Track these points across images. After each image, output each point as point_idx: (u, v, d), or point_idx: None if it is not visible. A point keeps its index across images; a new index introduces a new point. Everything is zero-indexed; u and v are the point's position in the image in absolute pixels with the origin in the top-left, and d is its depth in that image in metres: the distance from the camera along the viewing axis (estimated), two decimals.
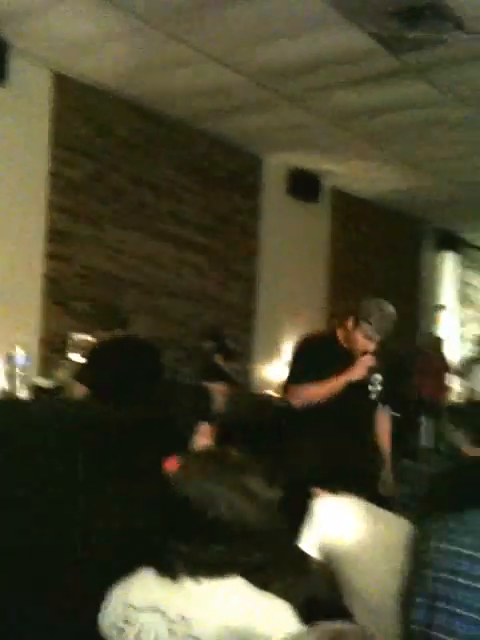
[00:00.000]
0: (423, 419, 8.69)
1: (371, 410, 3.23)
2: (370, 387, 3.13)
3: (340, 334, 3.16)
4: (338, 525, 2.25)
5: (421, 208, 9.35)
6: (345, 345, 3.12)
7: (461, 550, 1.29)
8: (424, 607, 1.34)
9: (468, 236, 11.36)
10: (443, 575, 1.31)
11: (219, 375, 5.53)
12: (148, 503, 1.64)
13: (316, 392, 2.97)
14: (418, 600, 1.35)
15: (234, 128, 6.30)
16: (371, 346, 3.04)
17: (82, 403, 3.82)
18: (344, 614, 1.95)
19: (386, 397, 3.29)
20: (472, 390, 7.36)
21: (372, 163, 7.24)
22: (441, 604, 1.30)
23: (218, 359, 5.79)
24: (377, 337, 3.04)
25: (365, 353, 3.06)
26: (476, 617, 1.26)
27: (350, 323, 3.09)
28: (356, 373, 3.01)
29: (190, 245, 6.48)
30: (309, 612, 1.51)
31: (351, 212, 8.67)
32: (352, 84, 5.12)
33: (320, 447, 2.87)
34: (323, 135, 6.36)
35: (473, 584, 1.27)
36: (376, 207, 9.07)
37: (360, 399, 3.11)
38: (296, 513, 2.34)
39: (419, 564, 1.35)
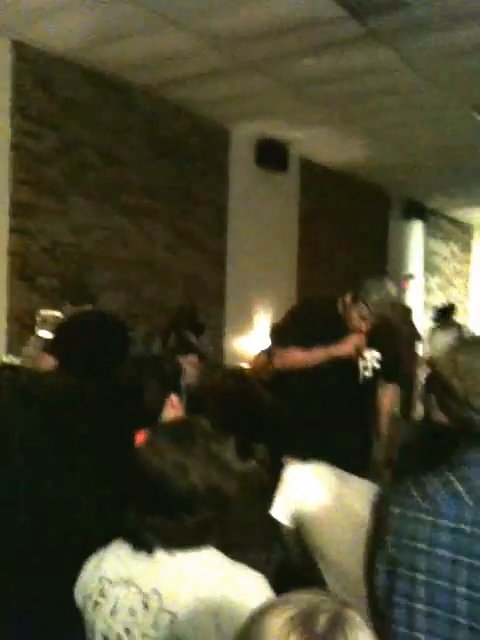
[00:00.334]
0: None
1: (362, 390, 3.18)
2: (361, 364, 3.11)
3: (340, 305, 3.13)
4: (308, 493, 2.27)
5: (388, 177, 9.37)
6: (343, 316, 3.10)
7: (420, 515, 1.30)
8: (386, 574, 1.35)
9: (434, 204, 11.45)
10: (404, 541, 1.32)
11: (190, 349, 5.51)
12: (118, 476, 1.63)
13: (299, 359, 2.95)
14: (380, 566, 1.36)
15: (199, 97, 6.21)
16: (364, 326, 3.01)
17: (47, 376, 3.79)
18: (317, 581, 1.98)
19: (388, 373, 3.24)
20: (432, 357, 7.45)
21: (338, 131, 7.21)
22: (402, 570, 1.31)
23: (190, 335, 5.78)
24: (372, 318, 3.02)
25: (358, 331, 3.04)
26: (436, 582, 1.27)
27: (348, 299, 3.06)
28: (343, 349, 2.98)
29: (158, 218, 6.40)
30: (282, 580, 1.52)
31: (319, 182, 8.65)
32: (316, 50, 5.05)
33: (303, 428, 2.85)
34: (288, 103, 6.30)
35: (433, 550, 1.28)
36: (344, 176, 9.06)
37: (348, 379, 3.07)
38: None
39: (381, 530, 1.36)
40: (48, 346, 4.21)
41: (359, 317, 3.01)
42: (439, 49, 4.99)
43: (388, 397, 3.45)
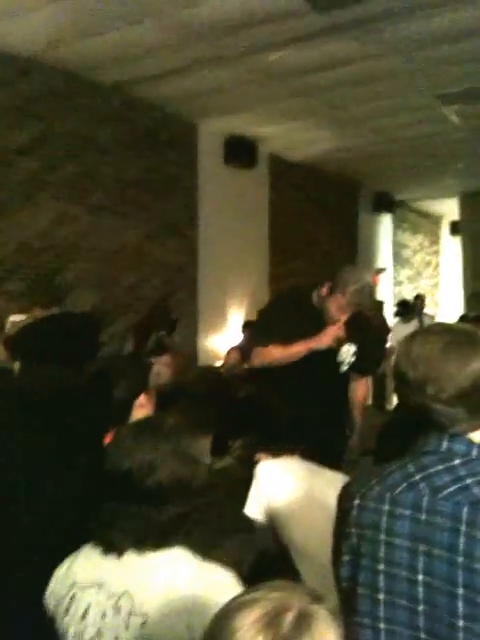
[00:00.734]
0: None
1: (340, 382, 3.17)
2: (339, 358, 3.07)
3: (315, 296, 3.07)
4: (279, 488, 2.27)
5: (356, 170, 9.43)
6: (317, 304, 3.05)
7: (380, 506, 1.31)
8: (349, 564, 1.36)
9: (402, 196, 11.55)
10: (365, 531, 1.32)
11: (165, 350, 5.52)
12: (86, 477, 1.61)
13: (279, 356, 2.90)
14: (344, 558, 1.37)
15: (167, 93, 6.17)
16: (343, 317, 2.96)
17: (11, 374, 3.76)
18: (288, 574, 1.97)
19: (362, 367, 3.21)
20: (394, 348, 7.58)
21: (304, 124, 7.23)
22: (364, 560, 1.31)
23: (165, 337, 5.75)
24: (350, 308, 2.97)
25: (335, 322, 2.99)
26: (395, 571, 1.28)
27: (325, 290, 3.00)
28: (322, 342, 2.93)
29: (130, 214, 6.36)
30: (256, 575, 1.51)
31: (289, 177, 8.67)
32: (280, 44, 5.04)
33: (286, 418, 2.82)
34: (256, 98, 6.29)
35: (392, 539, 1.29)
36: (313, 171, 9.09)
37: (328, 371, 3.04)
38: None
39: (344, 521, 1.37)
40: (8, 341, 4.17)
41: (337, 308, 2.96)
42: (402, 40, 5.02)
43: (362, 389, 3.43)
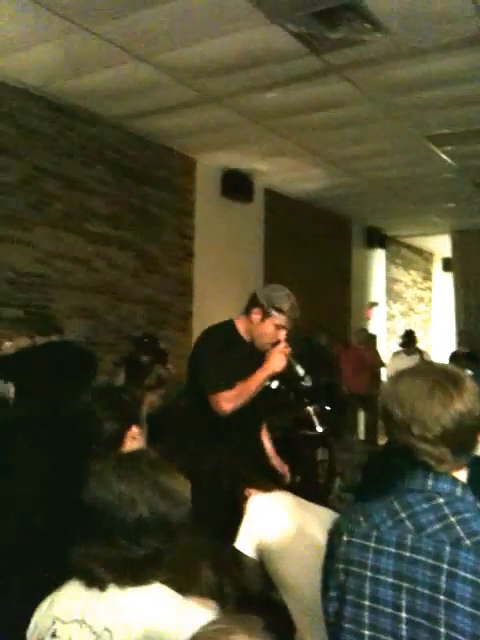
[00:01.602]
0: (361, 414, 8.90)
1: (261, 412, 3.10)
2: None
3: (241, 326, 2.96)
4: (271, 523, 2.27)
5: (349, 206, 9.57)
6: (246, 337, 2.95)
7: (366, 542, 1.33)
8: (336, 600, 1.37)
9: (394, 233, 11.69)
10: (352, 568, 1.34)
11: (163, 383, 5.56)
12: (66, 508, 1.62)
13: (245, 393, 2.80)
14: (331, 593, 1.38)
15: (164, 129, 6.29)
16: (283, 335, 2.89)
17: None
18: (275, 609, 1.98)
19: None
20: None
21: (299, 162, 7.36)
22: (350, 596, 1.33)
23: (157, 368, 5.76)
24: (289, 325, 2.90)
25: (276, 343, 2.89)
26: (380, 607, 1.29)
27: (257, 315, 2.90)
28: (277, 364, 2.85)
29: (125, 248, 6.43)
30: (239, 609, 1.52)
31: (284, 212, 8.78)
32: (275, 84, 5.17)
33: (228, 445, 2.75)
34: (250, 135, 6.42)
35: (376, 576, 1.30)
36: (307, 206, 9.22)
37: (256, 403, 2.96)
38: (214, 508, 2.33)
39: (332, 557, 1.38)
40: (3, 371, 4.19)
41: (275, 328, 2.88)
42: (395, 83, 5.16)
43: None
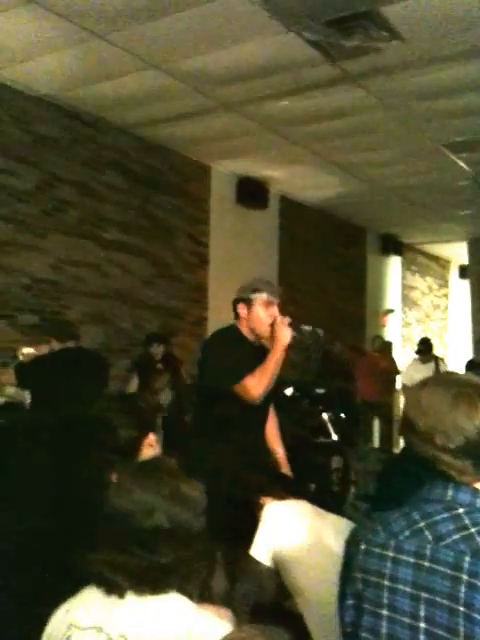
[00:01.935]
0: (376, 422, 8.85)
1: (265, 414, 3.10)
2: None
3: (242, 327, 2.99)
4: (288, 531, 2.26)
5: (364, 213, 9.55)
6: (250, 337, 2.98)
7: (384, 552, 1.32)
8: (353, 609, 1.36)
9: (410, 240, 11.64)
10: (370, 577, 1.33)
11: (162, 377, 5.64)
12: (81, 515, 1.62)
13: (266, 374, 2.80)
14: (348, 602, 1.37)
15: (178, 136, 6.32)
16: (276, 310, 2.91)
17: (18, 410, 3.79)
18: (289, 617, 1.96)
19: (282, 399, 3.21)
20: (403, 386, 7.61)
21: (314, 170, 7.36)
22: (367, 605, 1.32)
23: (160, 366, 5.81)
24: (277, 299, 2.93)
25: (273, 322, 2.91)
26: (398, 617, 1.28)
27: (244, 309, 2.94)
28: (284, 336, 2.85)
29: (139, 254, 6.45)
30: (253, 617, 1.51)
31: (298, 219, 8.78)
32: (291, 91, 5.18)
33: (234, 447, 2.79)
34: (265, 142, 6.43)
35: (395, 585, 1.29)
36: (322, 213, 9.21)
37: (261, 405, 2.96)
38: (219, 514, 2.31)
39: (349, 566, 1.37)
40: (19, 369, 4.22)
41: (267, 306, 2.91)
42: (410, 90, 5.15)
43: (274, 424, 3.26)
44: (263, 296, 2.91)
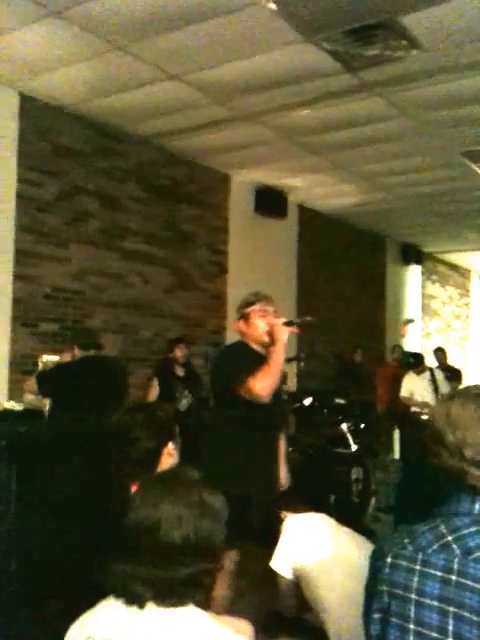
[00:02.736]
0: (396, 432, 8.77)
1: (280, 423, 3.19)
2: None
3: (250, 339, 3.08)
4: (308, 545, 2.25)
5: (383, 222, 9.52)
6: (260, 350, 3.05)
7: (412, 565, 1.30)
8: (379, 622, 1.34)
9: (430, 249, 11.57)
10: (397, 591, 1.31)
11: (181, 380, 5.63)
12: (103, 525, 1.61)
13: (270, 370, 2.87)
14: (374, 616, 1.35)
15: (198, 146, 6.35)
16: (271, 316, 3.02)
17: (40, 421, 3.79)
18: (310, 630, 1.94)
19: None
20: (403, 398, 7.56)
21: (333, 178, 7.36)
22: (394, 619, 1.30)
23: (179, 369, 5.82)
24: (271, 306, 3.05)
25: (268, 329, 3.00)
26: (425, 631, 1.26)
27: (242, 324, 3.07)
28: (281, 335, 2.93)
29: (159, 264, 6.48)
30: (272, 628, 1.50)
31: (317, 228, 8.77)
32: (310, 101, 5.19)
33: (242, 459, 2.80)
34: (284, 152, 6.44)
35: (422, 599, 1.27)
36: (341, 222, 9.19)
37: (273, 412, 3.03)
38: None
39: (376, 579, 1.35)
40: (41, 376, 4.24)
41: (261, 314, 3.02)
42: (429, 99, 5.13)
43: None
44: (256, 307, 3.04)
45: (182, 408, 5.49)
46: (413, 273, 11.39)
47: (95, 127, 5.79)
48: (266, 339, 2.97)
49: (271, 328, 2.95)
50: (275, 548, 2.30)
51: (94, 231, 5.85)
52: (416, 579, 1.28)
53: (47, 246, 5.43)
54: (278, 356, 2.89)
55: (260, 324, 3.00)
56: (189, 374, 5.88)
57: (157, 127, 5.88)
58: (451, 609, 1.23)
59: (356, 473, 5.27)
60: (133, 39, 4.27)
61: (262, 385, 2.80)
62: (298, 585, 2.24)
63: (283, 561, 2.27)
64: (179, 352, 5.79)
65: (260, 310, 3.02)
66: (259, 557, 2.26)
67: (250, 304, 3.06)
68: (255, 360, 2.91)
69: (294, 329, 2.98)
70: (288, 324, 2.96)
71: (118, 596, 1.39)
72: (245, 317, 3.06)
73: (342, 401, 6.82)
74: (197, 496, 1.41)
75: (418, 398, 7.21)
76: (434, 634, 1.24)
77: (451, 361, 9.79)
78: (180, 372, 5.82)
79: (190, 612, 1.36)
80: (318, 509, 2.39)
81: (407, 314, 11.12)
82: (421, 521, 1.38)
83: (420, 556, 1.29)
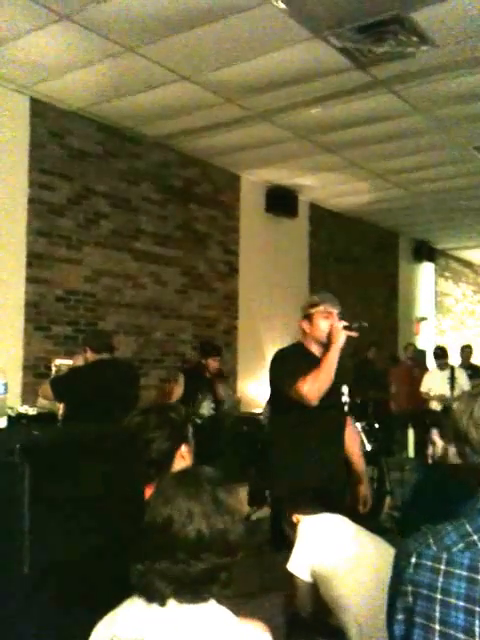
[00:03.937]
0: (410, 431, 8.73)
1: (343, 424, 3.19)
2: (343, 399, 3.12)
3: (308, 343, 3.13)
4: (326, 546, 2.24)
5: (395, 219, 9.47)
6: (317, 352, 3.09)
7: (437, 565, 1.28)
8: (403, 623, 1.33)
9: (443, 246, 11.50)
10: (421, 590, 1.30)
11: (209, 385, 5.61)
12: (119, 527, 1.62)
13: (322, 373, 2.90)
14: (398, 616, 1.34)
15: (210, 146, 6.35)
16: (335, 318, 3.05)
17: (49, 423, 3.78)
18: (327, 631, 1.94)
19: (352, 408, 3.29)
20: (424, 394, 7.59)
21: (344, 176, 7.33)
22: (419, 619, 1.29)
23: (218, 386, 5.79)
24: (335, 308, 3.07)
25: (329, 331, 3.04)
26: (451, 632, 1.25)
27: (305, 323, 3.11)
28: (339, 338, 2.98)
29: (171, 264, 6.49)
30: (291, 629, 1.49)
31: (329, 226, 8.75)
32: (321, 99, 5.18)
33: (301, 465, 2.85)
34: (295, 150, 6.43)
35: (448, 599, 1.26)
36: (353, 220, 9.16)
37: (335, 414, 3.08)
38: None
39: (400, 579, 1.34)
40: (55, 381, 4.25)
41: (325, 315, 3.05)
42: (441, 94, 5.10)
43: (356, 436, 3.43)
44: (321, 308, 3.07)
45: (204, 411, 5.47)
46: (426, 270, 11.33)
47: (107, 129, 5.81)
48: (326, 340, 3.01)
49: (331, 330, 2.99)
50: (290, 550, 2.29)
51: (106, 233, 5.86)
52: (441, 579, 1.27)
53: (60, 249, 5.46)
54: (332, 359, 2.94)
55: (323, 325, 3.04)
56: (215, 379, 5.79)
57: (169, 128, 5.88)
58: (477, 609, 1.22)
59: (371, 472, 5.24)
60: (144, 41, 4.27)
61: (310, 388, 2.84)
62: (316, 587, 2.23)
63: (301, 563, 2.26)
64: (213, 363, 5.71)
65: (324, 311, 3.06)
66: (274, 560, 2.25)
67: (315, 304, 3.10)
68: (308, 364, 2.95)
69: (352, 333, 3.01)
70: (347, 328, 2.99)
71: (140, 594, 1.40)
72: (309, 317, 3.09)
73: (356, 400, 6.79)
74: (210, 492, 1.43)
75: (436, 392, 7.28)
76: (460, 635, 1.23)
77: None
78: (209, 375, 5.74)
79: (211, 608, 1.36)
80: (331, 510, 2.38)
81: (420, 312, 11.06)
82: (428, 521, 1.37)
83: (445, 555, 1.28)
